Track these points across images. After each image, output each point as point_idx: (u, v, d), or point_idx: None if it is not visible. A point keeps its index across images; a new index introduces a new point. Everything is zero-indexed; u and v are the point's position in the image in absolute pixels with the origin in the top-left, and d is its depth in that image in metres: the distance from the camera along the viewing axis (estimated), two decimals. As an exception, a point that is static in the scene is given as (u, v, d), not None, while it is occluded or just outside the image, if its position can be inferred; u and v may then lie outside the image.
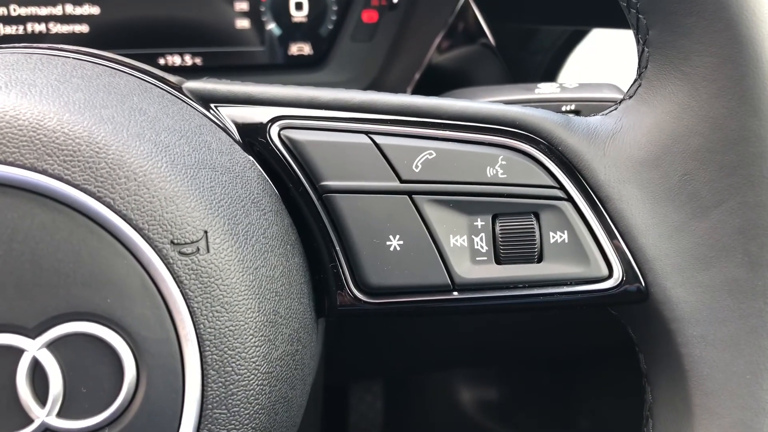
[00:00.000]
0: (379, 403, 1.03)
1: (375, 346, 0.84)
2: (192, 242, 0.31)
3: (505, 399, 1.02)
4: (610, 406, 0.93)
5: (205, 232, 0.31)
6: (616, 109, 0.38)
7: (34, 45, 0.38)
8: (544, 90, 0.53)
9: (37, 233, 0.30)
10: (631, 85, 0.38)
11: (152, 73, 0.38)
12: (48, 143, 0.30)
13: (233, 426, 0.32)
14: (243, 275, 0.32)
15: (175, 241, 0.31)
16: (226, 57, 0.71)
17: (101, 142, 0.31)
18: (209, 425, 0.31)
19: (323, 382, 0.73)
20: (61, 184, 0.30)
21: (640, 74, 0.38)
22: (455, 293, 0.37)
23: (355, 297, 0.37)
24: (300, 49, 0.72)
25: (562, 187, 0.37)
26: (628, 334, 0.41)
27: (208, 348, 0.31)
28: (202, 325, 0.31)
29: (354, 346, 0.79)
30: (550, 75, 0.84)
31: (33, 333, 0.30)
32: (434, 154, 0.37)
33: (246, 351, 0.32)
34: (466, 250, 0.37)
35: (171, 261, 0.31)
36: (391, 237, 0.36)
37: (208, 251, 0.31)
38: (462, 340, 0.84)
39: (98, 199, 0.30)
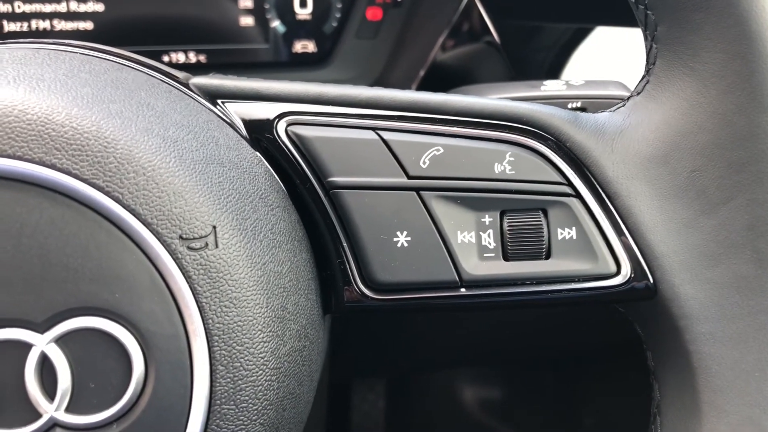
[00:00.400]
0: (382, 402, 1.03)
1: (378, 345, 0.84)
2: (201, 237, 0.31)
3: (508, 398, 1.02)
4: (614, 405, 0.93)
5: (214, 227, 0.31)
6: (624, 105, 0.38)
7: (41, 40, 0.38)
8: (550, 87, 0.52)
9: (46, 228, 0.30)
10: (639, 82, 0.38)
11: (159, 68, 0.38)
12: (56, 138, 0.30)
13: (241, 422, 0.32)
14: (251, 271, 0.32)
15: (184, 236, 0.31)
16: (230, 54, 0.71)
17: (110, 137, 0.31)
18: (217, 421, 0.31)
19: (329, 379, 0.73)
20: (69, 178, 0.30)
21: (647, 71, 0.38)
22: (463, 290, 0.37)
23: (362, 293, 0.37)
24: (304, 46, 0.72)
25: (570, 184, 0.37)
26: (634, 332, 0.41)
27: (216, 343, 0.31)
28: (210, 321, 0.31)
29: (357, 344, 0.79)
30: (553, 73, 0.84)
31: (41, 328, 0.30)
32: (442, 150, 0.37)
33: (254, 346, 0.32)
34: (474, 247, 0.37)
35: (180, 256, 0.31)
36: (398, 233, 0.36)
37: (216, 246, 0.31)
38: (465, 339, 0.84)
39: (107, 193, 0.30)
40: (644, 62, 0.38)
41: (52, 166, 0.30)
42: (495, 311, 0.39)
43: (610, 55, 0.88)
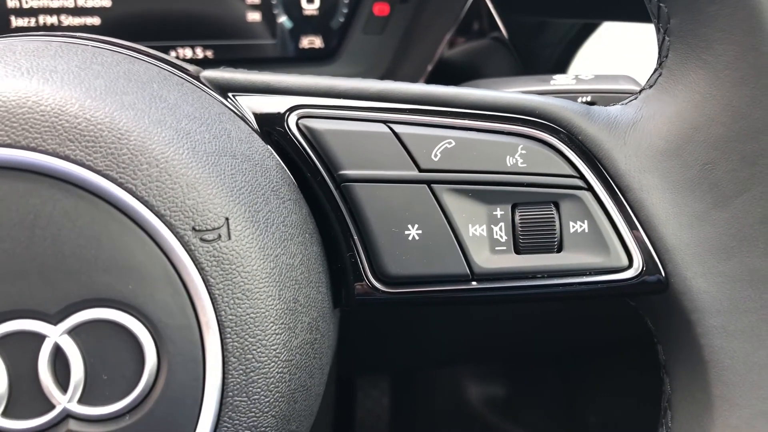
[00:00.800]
0: (386, 399, 1.03)
1: (382, 342, 0.84)
2: (213, 229, 0.31)
3: (512, 395, 1.02)
4: (619, 403, 0.93)
5: (227, 219, 0.31)
6: (636, 98, 0.38)
7: (53, 33, 0.38)
8: (560, 81, 0.52)
9: (59, 219, 0.30)
10: (651, 75, 0.38)
11: (170, 61, 0.38)
12: (70, 129, 0.30)
13: (253, 413, 0.32)
14: (263, 263, 0.32)
15: (197, 227, 0.31)
16: (237, 50, 0.71)
17: (123, 128, 0.31)
18: (230, 412, 0.31)
19: (336, 374, 0.73)
20: (83, 169, 0.30)
21: (660, 63, 0.37)
22: (474, 283, 0.37)
23: (373, 286, 0.37)
24: (311, 42, 0.72)
25: (582, 177, 0.37)
26: (639, 329, 0.41)
27: (228, 335, 0.31)
28: (223, 312, 0.31)
29: (361, 341, 0.79)
30: (560, 68, 0.84)
31: (54, 319, 0.30)
32: (453, 143, 0.37)
33: (266, 338, 0.32)
34: (485, 240, 0.37)
35: (192, 248, 0.30)
36: (409, 226, 0.36)
37: (229, 238, 0.31)
38: (469, 334, 0.84)
39: (120, 185, 0.30)
40: (656, 55, 0.38)
41: (66, 158, 0.30)
42: (504, 305, 0.39)
43: (616, 51, 0.88)
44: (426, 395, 1.04)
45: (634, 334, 0.59)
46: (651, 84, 0.38)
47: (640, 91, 0.38)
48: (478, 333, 0.83)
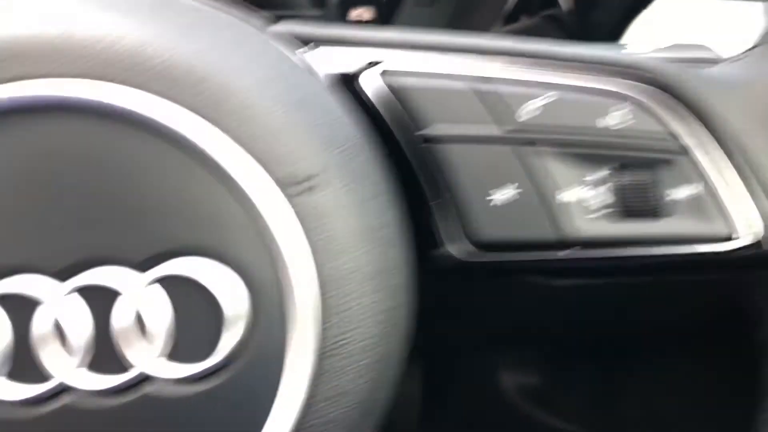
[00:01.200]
0: (417, 382, 1.01)
1: (417, 323, 0.82)
2: (308, 179, 0.29)
3: (548, 384, 1.00)
4: (661, 398, 0.91)
5: (319, 170, 0.29)
6: (743, 58, 0.36)
7: None
8: (634, 50, 0.50)
9: (147, 166, 0.28)
10: (763, 33, 0.36)
11: (245, 9, 0.37)
12: (153, 67, 0.28)
13: (348, 377, 0.29)
14: (356, 219, 0.30)
15: (290, 178, 0.29)
16: (284, 20, 0.69)
17: (208, 70, 0.29)
18: (324, 375, 0.29)
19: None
20: (173, 108, 0.28)
21: None
22: (567, 250, 0.35)
23: (460, 251, 0.35)
24: (359, 14, 0.70)
25: (684, 140, 0.34)
26: (704, 315, 0.38)
27: (327, 291, 0.29)
28: (320, 267, 0.29)
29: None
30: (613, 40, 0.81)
31: (140, 268, 0.28)
32: (546, 102, 0.35)
33: (363, 297, 0.29)
34: (580, 205, 0.35)
35: (286, 198, 0.28)
36: (497, 189, 0.34)
37: (321, 190, 0.29)
38: (507, 319, 0.82)
39: (212, 124, 0.28)
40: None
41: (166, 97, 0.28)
42: (587, 278, 0.37)
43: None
44: (459, 379, 1.02)
45: (698, 319, 0.57)
46: (760, 43, 0.35)
47: (749, 50, 0.36)
48: (518, 317, 0.81)
